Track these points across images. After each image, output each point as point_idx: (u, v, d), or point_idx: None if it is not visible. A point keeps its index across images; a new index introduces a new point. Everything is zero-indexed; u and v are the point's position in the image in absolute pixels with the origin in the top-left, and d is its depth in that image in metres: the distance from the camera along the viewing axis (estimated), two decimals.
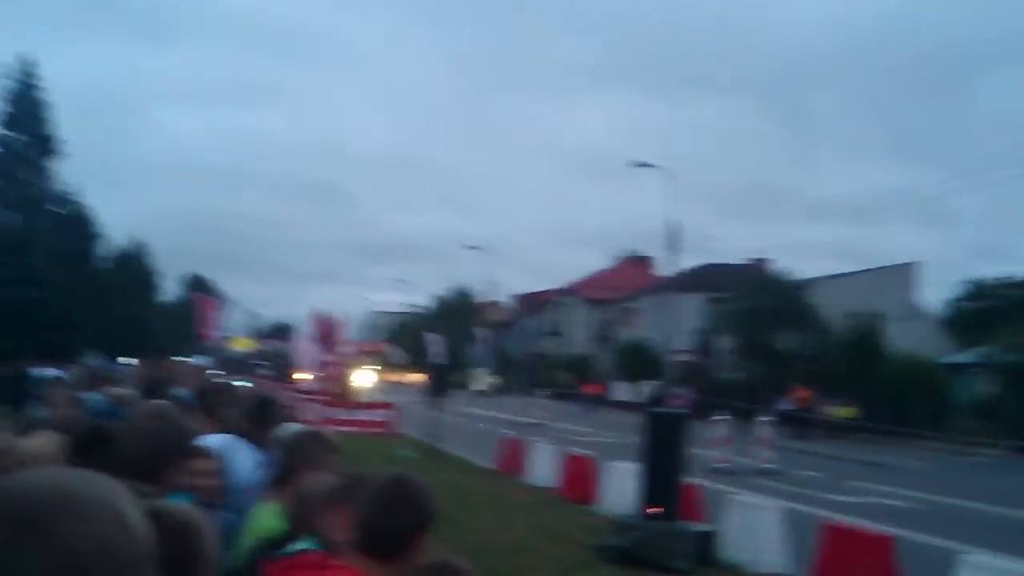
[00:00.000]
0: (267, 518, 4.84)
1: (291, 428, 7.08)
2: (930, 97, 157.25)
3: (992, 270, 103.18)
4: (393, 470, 3.44)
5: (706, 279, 74.02)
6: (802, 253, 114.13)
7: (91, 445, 4.13)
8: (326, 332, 41.27)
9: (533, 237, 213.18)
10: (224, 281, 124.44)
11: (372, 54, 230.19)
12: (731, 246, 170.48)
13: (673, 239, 59.60)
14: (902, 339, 49.46)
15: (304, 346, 38.25)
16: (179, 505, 2.60)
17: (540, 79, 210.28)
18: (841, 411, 47.29)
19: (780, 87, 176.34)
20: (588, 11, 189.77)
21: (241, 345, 68.60)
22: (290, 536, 4.35)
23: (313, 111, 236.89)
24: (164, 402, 6.63)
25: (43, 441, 4.51)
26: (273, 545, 4.51)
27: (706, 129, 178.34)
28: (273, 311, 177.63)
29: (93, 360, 43.36)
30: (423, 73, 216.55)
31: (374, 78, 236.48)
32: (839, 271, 69.83)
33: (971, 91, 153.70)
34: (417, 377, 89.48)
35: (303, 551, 3.92)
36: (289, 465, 4.91)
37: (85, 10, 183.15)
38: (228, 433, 7.23)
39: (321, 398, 32.37)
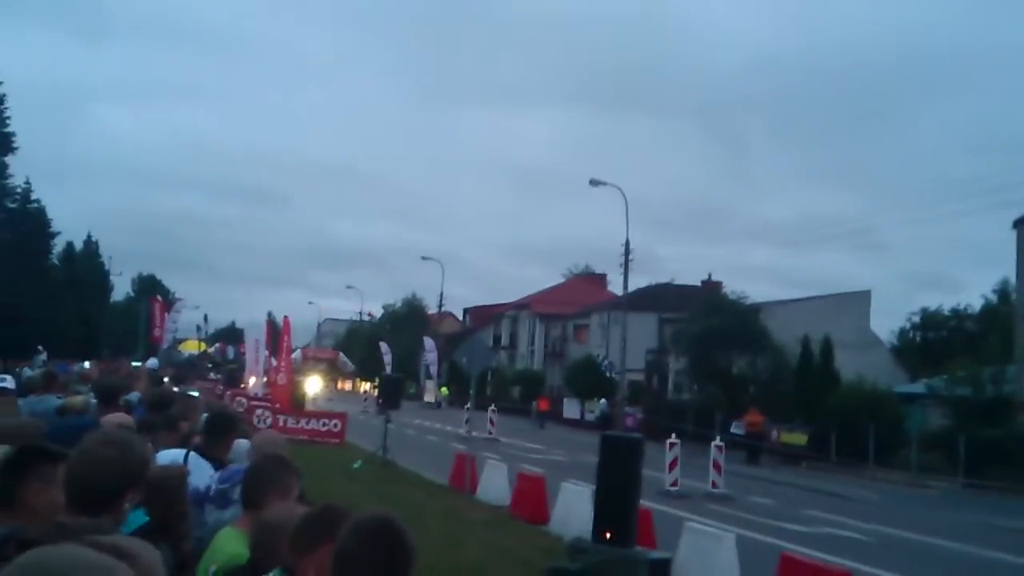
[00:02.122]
0: (229, 544, 4.60)
1: (245, 444, 6.84)
2: (864, 128, 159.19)
3: (932, 301, 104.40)
4: (376, 510, 3.21)
5: (659, 299, 74.20)
6: (743, 275, 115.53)
7: (33, 459, 3.86)
8: (277, 338, 40.85)
9: (485, 250, 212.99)
10: (173, 282, 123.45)
11: (319, 64, 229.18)
12: (674, 267, 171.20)
13: (627, 257, 59.66)
14: (854, 366, 49.62)
15: (254, 351, 37.72)
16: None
17: (487, 94, 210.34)
18: (792, 437, 47.30)
19: (721, 112, 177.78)
20: (534, 28, 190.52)
21: (191, 348, 67.92)
22: (253, 566, 4.12)
23: (258, 116, 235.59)
24: (121, 424, 6.34)
25: None
26: (236, 575, 4.28)
27: (648, 149, 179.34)
28: (223, 314, 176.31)
29: (43, 360, 42.51)
30: (371, 85, 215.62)
31: (321, 88, 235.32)
32: (784, 296, 70.40)
33: (903, 123, 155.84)
34: (367, 386, 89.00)
35: None
36: (253, 491, 4.67)
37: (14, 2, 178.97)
38: (184, 447, 6.98)
39: (271, 405, 32.00)
